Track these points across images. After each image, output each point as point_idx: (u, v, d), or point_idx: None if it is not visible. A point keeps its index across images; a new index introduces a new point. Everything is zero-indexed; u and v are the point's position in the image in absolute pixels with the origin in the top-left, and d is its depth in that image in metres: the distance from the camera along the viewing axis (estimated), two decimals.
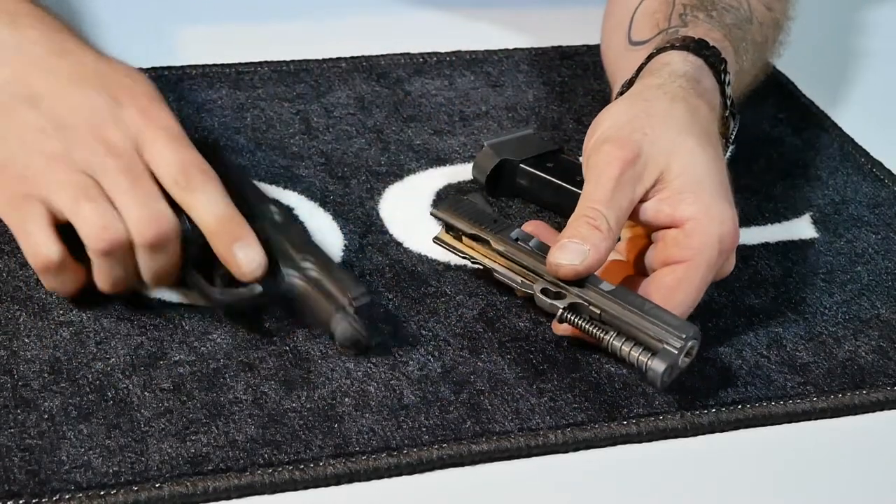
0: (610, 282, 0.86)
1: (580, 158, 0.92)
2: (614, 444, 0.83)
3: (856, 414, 0.88)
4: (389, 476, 0.80)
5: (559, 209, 1.00)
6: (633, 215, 0.88)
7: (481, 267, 0.90)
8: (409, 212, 0.99)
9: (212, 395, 0.82)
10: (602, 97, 1.15)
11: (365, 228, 0.97)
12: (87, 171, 0.85)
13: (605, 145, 0.87)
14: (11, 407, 0.80)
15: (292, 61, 1.15)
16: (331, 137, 1.06)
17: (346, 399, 0.83)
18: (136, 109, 0.87)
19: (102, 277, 0.85)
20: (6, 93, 0.87)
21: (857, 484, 0.84)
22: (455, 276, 0.94)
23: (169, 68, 1.10)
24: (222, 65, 1.12)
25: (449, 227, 0.91)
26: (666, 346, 0.82)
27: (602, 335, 0.85)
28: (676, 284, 0.85)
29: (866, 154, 1.12)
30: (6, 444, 0.78)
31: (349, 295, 0.84)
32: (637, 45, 1.04)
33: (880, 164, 1.11)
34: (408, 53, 1.18)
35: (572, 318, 0.85)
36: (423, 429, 0.82)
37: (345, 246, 0.95)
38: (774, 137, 1.14)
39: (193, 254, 0.86)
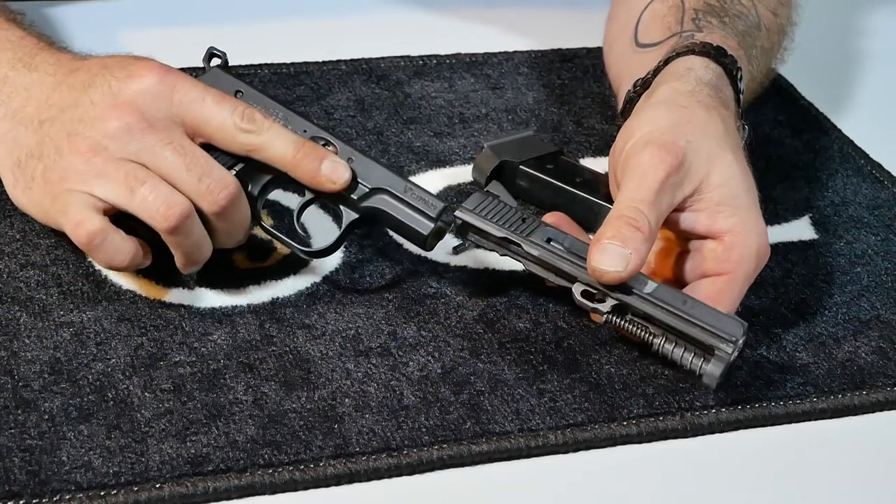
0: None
1: (580, 160, 0.92)
2: (614, 444, 0.83)
3: (856, 414, 0.88)
4: (389, 476, 0.80)
5: (559, 210, 1.00)
6: (667, 223, 0.88)
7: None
8: None
9: (212, 396, 0.82)
10: (602, 100, 1.15)
11: (365, 230, 0.97)
12: (129, 157, 0.85)
13: (649, 148, 0.87)
14: (12, 407, 0.80)
15: (292, 63, 1.15)
16: None
17: (347, 400, 0.83)
18: (159, 81, 0.87)
19: (179, 254, 0.86)
20: (35, 119, 0.88)
21: (857, 484, 0.84)
22: (455, 277, 0.94)
23: None
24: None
25: (474, 230, 0.89)
26: (718, 350, 0.82)
27: (651, 339, 0.84)
28: (717, 296, 0.85)
29: (866, 156, 1.13)
30: (6, 444, 0.78)
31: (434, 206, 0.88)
32: (645, 47, 1.04)
33: (880, 165, 1.11)
34: (408, 56, 1.18)
35: (618, 321, 0.85)
36: (424, 429, 0.82)
37: (345, 247, 0.95)
38: (774, 139, 1.14)
39: None
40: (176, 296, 0.89)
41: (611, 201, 0.89)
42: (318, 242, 0.92)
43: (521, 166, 1.01)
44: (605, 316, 0.85)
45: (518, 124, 1.11)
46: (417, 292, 0.92)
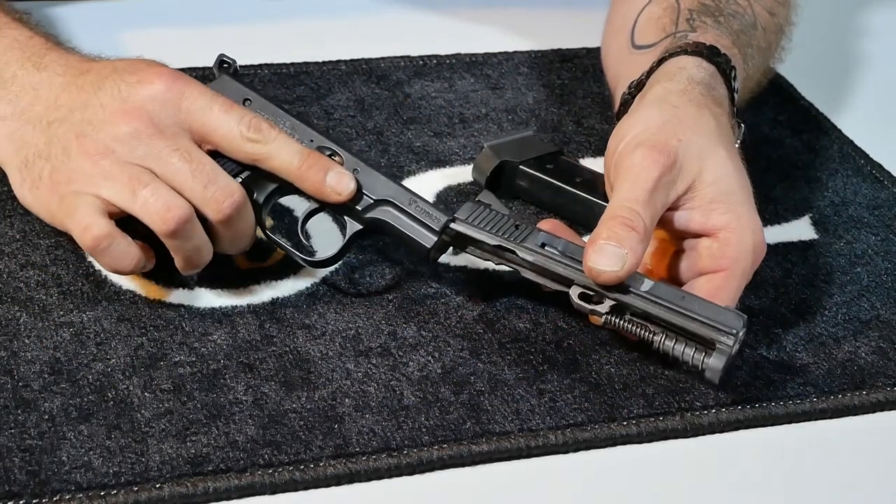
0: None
1: (580, 160, 0.92)
2: (614, 444, 0.83)
3: (856, 414, 0.88)
4: (389, 476, 0.80)
5: (559, 210, 1.00)
6: (661, 222, 0.88)
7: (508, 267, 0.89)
8: None
9: (212, 396, 0.82)
10: (601, 100, 1.15)
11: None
12: (136, 161, 0.85)
13: (641, 148, 0.87)
14: (12, 407, 0.80)
15: (292, 64, 1.15)
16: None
17: (347, 400, 0.83)
18: (168, 87, 0.87)
19: (179, 257, 0.86)
20: (43, 119, 0.88)
21: (857, 484, 0.84)
22: (455, 278, 0.94)
23: None
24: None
25: (469, 241, 0.89)
26: (719, 343, 0.82)
27: (651, 337, 0.84)
28: (714, 293, 0.85)
29: (865, 156, 1.13)
30: (6, 444, 0.78)
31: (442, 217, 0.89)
32: (641, 48, 1.04)
33: (880, 165, 1.11)
34: (407, 56, 1.18)
35: (617, 321, 0.85)
36: (424, 429, 0.82)
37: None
38: (774, 139, 1.14)
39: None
40: (176, 296, 0.89)
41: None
42: (321, 248, 0.92)
43: (521, 166, 1.01)
44: (604, 317, 0.85)
45: (518, 124, 1.11)
46: (417, 292, 0.92)
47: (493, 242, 0.88)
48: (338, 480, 0.79)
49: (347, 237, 0.90)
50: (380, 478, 0.79)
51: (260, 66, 1.14)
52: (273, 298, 0.90)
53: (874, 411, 0.88)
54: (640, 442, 0.84)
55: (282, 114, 0.91)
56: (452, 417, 0.83)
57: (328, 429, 0.81)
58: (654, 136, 0.88)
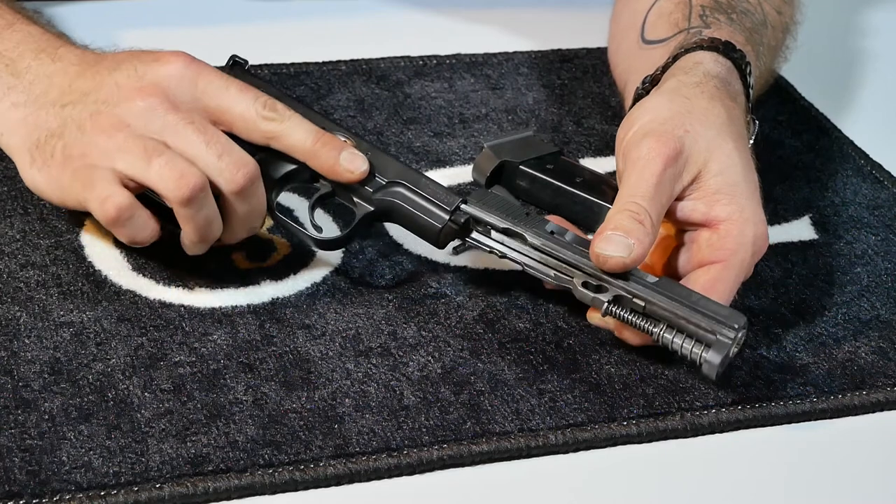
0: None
1: (580, 160, 0.92)
2: (614, 444, 0.83)
3: (856, 414, 0.88)
4: (389, 476, 0.80)
5: (559, 211, 1.00)
6: (666, 213, 0.88)
7: (511, 261, 0.89)
8: None
9: (212, 396, 0.82)
10: (601, 100, 1.15)
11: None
12: (150, 135, 0.85)
13: (647, 139, 0.87)
14: (12, 408, 0.80)
15: (292, 64, 1.15)
16: None
17: (347, 400, 0.83)
18: (185, 66, 0.88)
19: (190, 228, 0.86)
20: (57, 103, 0.88)
21: (857, 484, 0.84)
22: (455, 278, 0.94)
23: None
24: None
25: (478, 222, 0.90)
26: (719, 336, 0.82)
27: (651, 328, 0.84)
28: (712, 284, 0.85)
29: (865, 156, 1.13)
30: (7, 444, 0.78)
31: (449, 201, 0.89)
32: (652, 43, 1.04)
33: (880, 165, 1.11)
34: (407, 56, 1.18)
35: (617, 311, 0.85)
36: (424, 429, 0.82)
37: (346, 247, 0.95)
38: (774, 139, 1.14)
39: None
40: (176, 296, 0.89)
41: (610, 201, 0.89)
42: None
43: (521, 166, 1.01)
44: (605, 306, 0.85)
45: (518, 124, 1.11)
46: (417, 292, 0.92)
47: (502, 225, 0.88)
48: (338, 480, 0.79)
49: (357, 219, 0.90)
50: (380, 478, 0.79)
51: (260, 66, 1.13)
52: (273, 298, 0.90)
53: (874, 411, 0.88)
54: (640, 442, 0.84)
55: (294, 103, 0.92)
56: (452, 417, 0.83)
57: (328, 429, 0.81)
58: (662, 125, 0.88)
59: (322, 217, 0.95)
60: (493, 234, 0.89)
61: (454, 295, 0.92)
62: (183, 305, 0.89)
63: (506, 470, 0.81)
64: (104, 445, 0.78)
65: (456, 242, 0.91)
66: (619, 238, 0.84)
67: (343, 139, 0.91)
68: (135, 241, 0.86)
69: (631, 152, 0.88)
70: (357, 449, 0.80)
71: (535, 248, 0.88)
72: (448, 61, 1.18)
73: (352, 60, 1.16)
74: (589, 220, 0.97)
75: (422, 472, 0.80)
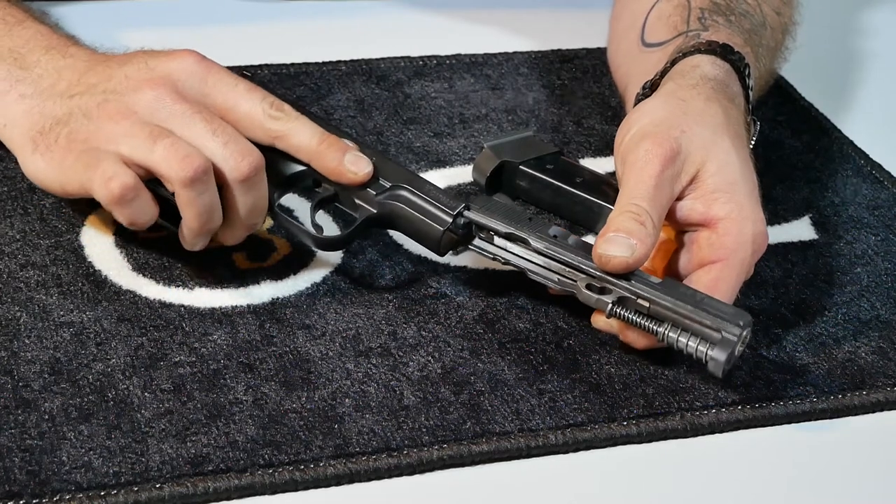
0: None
1: (580, 160, 0.92)
2: (614, 444, 0.83)
3: (856, 414, 0.88)
4: (389, 477, 0.80)
5: (559, 211, 1.00)
6: (667, 214, 0.88)
7: (514, 268, 0.89)
8: None
9: (212, 396, 0.82)
10: (601, 100, 1.15)
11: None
12: (157, 122, 0.86)
13: (644, 141, 0.87)
14: (12, 408, 0.80)
15: (292, 64, 1.15)
16: None
17: (347, 400, 0.83)
18: (196, 62, 0.88)
19: (191, 213, 0.85)
20: (65, 94, 0.89)
21: (857, 484, 0.84)
22: (455, 278, 0.94)
23: None
24: None
25: (480, 228, 0.90)
26: (724, 334, 0.82)
27: (656, 328, 0.84)
28: (714, 284, 0.86)
29: (865, 156, 1.13)
30: (7, 444, 0.78)
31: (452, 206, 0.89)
32: (651, 46, 1.04)
33: (880, 165, 1.11)
34: (407, 56, 1.18)
35: (622, 312, 0.85)
36: (424, 429, 0.82)
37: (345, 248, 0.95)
38: (774, 140, 1.14)
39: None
40: (176, 296, 0.89)
41: (610, 202, 0.89)
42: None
43: (521, 167, 1.01)
44: (610, 307, 0.85)
45: (518, 124, 1.11)
46: (417, 292, 0.92)
47: (505, 230, 0.88)
48: (338, 480, 0.79)
49: (359, 221, 0.90)
50: (380, 478, 0.79)
51: (260, 66, 1.14)
52: (273, 298, 0.90)
53: (874, 411, 0.88)
54: (640, 442, 0.84)
55: (300, 108, 0.92)
56: (452, 417, 0.83)
57: (328, 429, 0.81)
58: (658, 127, 0.88)
59: (323, 218, 0.95)
60: (496, 239, 0.89)
61: (454, 295, 0.92)
62: (183, 305, 0.89)
63: (506, 470, 0.81)
64: (104, 445, 0.78)
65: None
66: (622, 239, 0.84)
67: (348, 143, 0.91)
68: (134, 224, 0.86)
69: (629, 155, 0.88)
70: (357, 449, 0.80)
71: (539, 252, 0.88)
72: (448, 61, 1.18)
73: (352, 61, 1.16)
74: (589, 220, 0.97)
75: (422, 472, 0.80)
